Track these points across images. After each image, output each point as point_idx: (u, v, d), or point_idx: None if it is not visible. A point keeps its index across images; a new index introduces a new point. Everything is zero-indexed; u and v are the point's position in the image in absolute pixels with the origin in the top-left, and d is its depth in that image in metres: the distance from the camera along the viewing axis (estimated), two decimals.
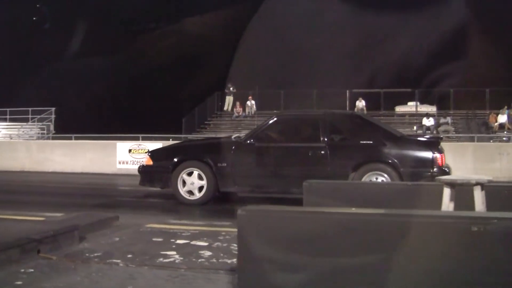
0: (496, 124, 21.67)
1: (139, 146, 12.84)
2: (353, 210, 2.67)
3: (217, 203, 7.58)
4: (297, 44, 29.14)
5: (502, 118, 21.64)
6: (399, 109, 28.41)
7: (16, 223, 4.76)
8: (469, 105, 25.19)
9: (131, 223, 5.69)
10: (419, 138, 7.48)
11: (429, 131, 21.94)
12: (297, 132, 7.54)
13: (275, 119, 7.56)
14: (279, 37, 29.25)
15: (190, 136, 23.04)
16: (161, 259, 4.18)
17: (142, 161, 12.54)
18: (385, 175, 6.77)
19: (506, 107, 21.93)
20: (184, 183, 7.48)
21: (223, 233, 5.24)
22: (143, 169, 7.88)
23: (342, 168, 6.91)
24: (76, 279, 3.64)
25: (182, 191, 7.48)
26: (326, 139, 7.05)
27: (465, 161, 10.52)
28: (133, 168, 12.78)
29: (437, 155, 6.72)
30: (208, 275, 3.75)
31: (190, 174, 7.47)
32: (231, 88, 28.60)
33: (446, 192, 3.54)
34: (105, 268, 3.90)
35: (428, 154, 6.77)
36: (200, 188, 7.42)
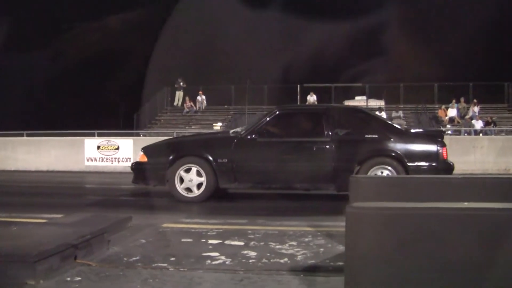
0: (446, 118, 22.48)
1: (109, 143, 12.28)
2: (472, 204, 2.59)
3: (215, 200, 7.34)
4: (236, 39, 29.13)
5: (452, 112, 22.49)
6: (348, 103, 28.94)
7: (37, 227, 4.35)
8: (418, 99, 26.06)
9: (144, 224, 5.39)
10: (422, 132, 7.57)
11: None
12: (300, 127, 7.40)
13: (276, 113, 7.39)
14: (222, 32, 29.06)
15: (142, 132, 22.36)
16: (209, 261, 3.97)
17: (113, 157, 12.12)
18: (391, 169, 6.80)
19: (454, 101, 22.79)
20: (181, 180, 7.18)
21: (249, 232, 5.07)
22: (136, 166, 7.49)
23: (347, 163, 6.87)
24: (135, 287, 3.36)
25: (180, 188, 7.18)
26: (330, 134, 6.98)
27: None
28: (102, 165, 12.30)
29: (441, 148, 6.83)
30: (273, 276, 3.59)
31: (188, 170, 7.18)
32: (181, 83, 28.06)
33: None
34: (157, 273, 3.64)
35: (432, 148, 6.86)
36: (199, 185, 7.15)
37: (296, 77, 29.31)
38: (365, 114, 7.58)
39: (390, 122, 7.68)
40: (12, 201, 7.33)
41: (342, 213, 6.48)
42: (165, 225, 5.47)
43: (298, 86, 28.95)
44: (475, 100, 22.28)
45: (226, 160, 7.08)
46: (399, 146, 6.86)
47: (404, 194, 4.01)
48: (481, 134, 18.88)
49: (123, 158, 12.19)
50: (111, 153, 12.20)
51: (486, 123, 20.49)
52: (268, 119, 7.27)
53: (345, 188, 6.95)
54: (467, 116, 21.67)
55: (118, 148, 12.22)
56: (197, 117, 27.67)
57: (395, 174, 6.74)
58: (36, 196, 8.27)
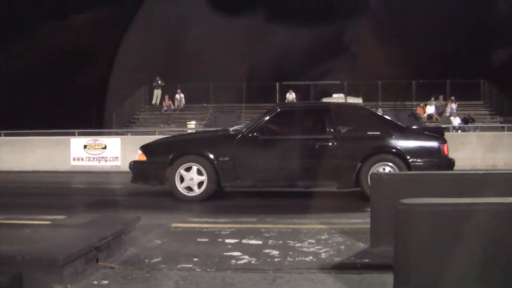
0: (424, 115, 22.82)
1: (95, 142, 11.99)
2: None
3: (216, 199, 7.24)
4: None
5: (430, 109, 22.85)
6: (325, 100, 29.06)
7: (50, 230, 4.19)
8: (396, 97, 26.37)
9: (152, 224, 5.26)
10: (424, 129, 7.62)
11: None
12: (301, 124, 7.34)
13: (278, 110, 7.33)
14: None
15: (120, 131, 21.98)
16: (233, 261, 3.90)
17: (100, 156, 11.88)
18: (394, 166, 6.82)
19: (433, 98, 23.15)
20: (182, 179, 7.06)
21: (263, 230, 5.02)
22: (135, 165, 7.33)
23: (350, 160, 6.87)
24: None
25: (180, 187, 7.06)
26: (332, 131, 6.97)
27: None
28: (89, 164, 12.05)
29: (442, 144, 6.89)
30: (305, 275, 3.56)
31: (188, 169, 7.05)
32: (159, 81, 27.76)
33: None
34: (186, 275, 3.56)
35: (434, 144, 6.92)
36: (200, 184, 7.04)
37: (275, 75, 29.35)
38: (366, 111, 7.59)
39: (391, 119, 7.70)
40: (7, 202, 7.08)
41: (349, 210, 6.52)
42: (174, 224, 5.37)
43: (277, 84, 28.95)
44: (452, 98, 22.65)
45: (227, 158, 6.99)
46: (401, 143, 6.89)
47: (429, 190, 4.01)
48: (459, 131, 19.19)
49: (110, 157, 11.93)
50: (98, 153, 11.92)
51: (464, 120, 20.85)
52: (269, 116, 7.21)
53: (347, 185, 6.99)
54: (445, 113, 22.01)
55: (105, 147, 11.96)
56: (176, 115, 27.42)
57: (397, 170, 6.77)
58: (30, 197, 8.03)
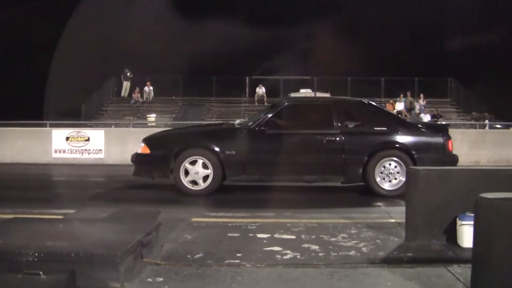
0: (394, 111, 23.24)
1: (78, 134, 11.58)
2: None
3: (219, 193, 7.14)
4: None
5: (399, 106, 23.30)
6: (293, 95, 29.19)
7: (84, 225, 4.00)
8: (365, 93, 26.75)
9: (172, 218, 5.12)
10: (428, 125, 7.73)
11: None
12: (309, 119, 7.32)
13: (285, 104, 7.29)
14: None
15: (89, 123, 21.41)
16: (279, 256, 3.85)
17: (83, 148, 11.54)
18: (400, 161, 6.91)
19: (402, 95, 23.63)
20: (186, 172, 6.93)
21: (289, 225, 4.97)
22: (138, 158, 7.13)
23: (358, 155, 6.92)
24: (230, 286, 3.19)
25: (185, 181, 6.93)
26: (340, 126, 6.99)
27: None
28: (72, 157, 11.69)
29: (447, 141, 7.03)
30: (359, 269, 3.56)
31: (193, 163, 6.92)
32: (128, 74, 27.15)
33: None
34: (239, 271, 3.49)
35: (439, 140, 7.04)
36: (205, 178, 6.93)
37: (245, 69, 29.24)
38: (373, 107, 7.64)
39: (397, 115, 7.79)
40: (2, 195, 6.77)
41: (362, 205, 6.56)
42: (195, 219, 5.25)
43: (247, 78, 28.85)
44: (421, 95, 23.18)
45: (234, 152, 6.90)
46: (408, 139, 6.98)
47: (466, 185, 4.07)
48: None
49: (93, 150, 11.56)
50: (81, 145, 11.54)
51: (433, 116, 21.40)
52: (276, 111, 7.16)
53: (353, 179, 7.03)
54: (415, 111, 22.51)
55: (88, 140, 11.58)
56: (144, 108, 26.92)
57: (403, 166, 6.86)
58: (24, 190, 7.69)
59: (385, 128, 7.07)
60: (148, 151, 7.07)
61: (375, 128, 7.09)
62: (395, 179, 6.96)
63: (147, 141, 7.21)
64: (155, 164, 7.04)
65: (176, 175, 6.93)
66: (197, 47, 29.85)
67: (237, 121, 7.87)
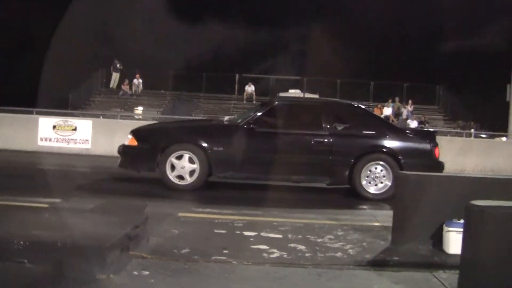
0: (382, 116, 23.37)
1: (66, 123, 11.46)
2: None
3: (205, 189, 7.11)
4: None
5: (387, 111, 23.42)
6: (282, 95, 29.19)
7: (72, 215, 3.94)
8: (354, 96, 26.85)
9: (158, 212, 5.07)
10: (416, 131, 7.78)
11: None
12: (299, 119, 7.33)
13: (275, 103, 7.29)
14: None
15: (76, 112, 21.19)
16: (265, 255, 3.86)
17: (69, 138, 11.42)
18: (386, 165, 6.95)
19: (390, 100, 23.76)
20: (173, 167, 6.88)
21: (275, 224, 4.98)
22: (125, 150, 7.07)
23: (345, 157, 6.94)
24: (222, 283, 3.18)
25: (171, 175, 6.88)
26: (328, 127, 7.01)
27: None
28: (58, 146, 11.58)
29: (434, 147, 7.09)
30: (346, 271, 3.58)
31: (180, 157, 6.87)
32: (117, 65, 26.93)
33: None
34: (227, 267, 3.49)
35: (426, 146, 7.10)
36: (191, 173, 6.89)
37: (235, 67, 29.20)
38: (363, 110, 7.66)
39: (385, 120, 7.83)
40: None
41: (348, 207, 6.57)
42: (181, 214, 5.22)
43: (237, 75, 28.78)
44: (410, 101, 23.33)
45: (222, 148, 6.87)
46: (395, 143, 7.02)
47: (456, 192, 4.10)
48: None
49: (80, 139, 11.44)
50: (68, 134, 11.41)
51: (420, 123, 21.57)
52: (266, 109, 7.15)
53: (339, 182, 7.05)
54: (402, 116, 22.65)
55: (75, 129, 11.46)
56: (133, 100, 26.73)
57: (390, 170, 6.91)
58: (7, 178, 7.57)
59: (374, 132, 7.11)
60: (135, 143, 7.01)
61: (364, 132, 7.12)
62: (381, 183, 7.00)
63: (135, 133, 7.15)
64: (142, 157, 6.98)
65: (162, 169, 6.87)
66: (188, 43, 29.81)
67: (226, 118, 7.85)
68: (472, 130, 19.94)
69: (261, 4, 29.01)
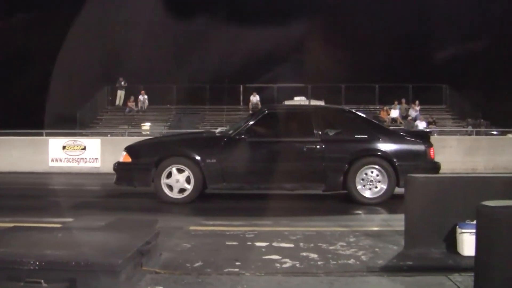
0: (388, 117, 23.32)
1: (75, 143, 11.57)
2: None
3: (202, 201, 7.14)
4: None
5: (394, 113, 23.38)
6: (287, 103, 29.16)
7: (82, 234, 3.98)
8: (359, 100, 26.78)
9: (169, 227, 5.10)
10: (409, 133, 7.74)
11: None
12: (289, 127, 7.31)
13: (265, 112, 7.29)
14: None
15: (84, 131, 21.34)
16: (278, 265, 3.85)
17: (79, 157, 11.51)
18: (381, 168, 6.92)
19: (397, 102, 23.70)
20: (167, 181, 6.87)
21: (286, 233, 4.97)
22: (120, 166, 7.10)
23: (338, 162, 6.92)
24: None
25: (166, 189, 6.88)
26: (320, 133, 7.01)
27: None
28: (68, 166, 11.67)
29: (429, 148, 7.05)
30: (358, 278, 3.56)
31: (173, 171, 6.87)
32: (122, 82, 27.10)
33: None
34: (239, 279, 3.49)
35: (420, 147, 7.05)
36: (185, 186, 6.84)
37: (239, 77, 29.25)
38: (354, 115, 7.65)
39: (378, 123, 7.82)
40: (4, 204, 6.75)
41: (351, 213, 6.56)
42: (192, 228, 5.25)
43: (241, 86, 28.83)
44: (417, 101, 23.25)
45: (214, 160, 6.87)
46: (388, 146, 6.98)
47: (465, 193, 4.08)
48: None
49: (90, 158, 11.55)
50: (77, 154, 11.52)
51: (429, 123, 21.48)
52: (256, 119, 7.15)
53: (334, 187, 7.02)
54: (410, 117, 22.58)
55: (84, 148, 11.57)
56: (139, 116, 26.86)
57: (384, 173, 6.89)
58: (22, 199, 7.66)
59: (366, 136, 7.08)
60: (129, 159, 7.05)
61: (356, 136, 7.11)
62: (376, 187, 6.97)
63: (129, 149, 7.19)
64: (136, 173, 7.00)
65: (157, 183, 6.89)
66: (191, 56, 29.90)
67: (218, 130, 7.88)
68: (483, 128, 19.84)
69: (263, 13, 29.06)
